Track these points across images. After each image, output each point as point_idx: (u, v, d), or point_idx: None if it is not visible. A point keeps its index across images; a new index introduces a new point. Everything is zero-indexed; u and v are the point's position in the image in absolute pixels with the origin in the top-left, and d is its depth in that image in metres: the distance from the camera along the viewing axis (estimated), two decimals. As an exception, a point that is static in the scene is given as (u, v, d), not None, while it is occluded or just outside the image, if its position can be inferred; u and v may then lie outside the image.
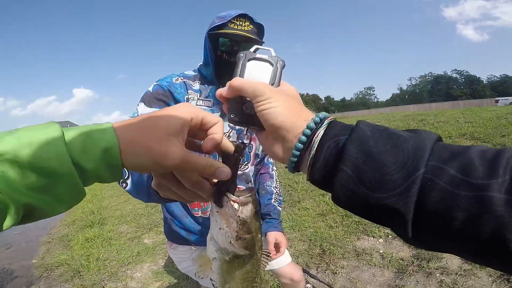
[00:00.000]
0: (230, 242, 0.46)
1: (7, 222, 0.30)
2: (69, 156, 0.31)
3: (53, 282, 2.92)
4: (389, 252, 2.43)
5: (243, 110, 0.44)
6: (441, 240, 0.29)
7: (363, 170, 0.31)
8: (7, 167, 0.29)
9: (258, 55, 0.46)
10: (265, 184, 1.40)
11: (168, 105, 1.04)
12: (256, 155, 1.34)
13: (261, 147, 1.29)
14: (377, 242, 2.63)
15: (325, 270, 2.35)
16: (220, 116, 1.11)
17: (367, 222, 2.92)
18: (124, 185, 0.87)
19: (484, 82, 71.91)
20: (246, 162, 1.26)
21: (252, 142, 1.28)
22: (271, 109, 0.38)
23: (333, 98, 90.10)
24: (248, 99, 0.42)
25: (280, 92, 0.40)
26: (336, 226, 2.98)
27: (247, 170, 1.27)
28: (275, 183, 1.42)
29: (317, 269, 2.39)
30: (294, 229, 3.09)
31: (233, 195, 0.46)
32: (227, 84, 0.42)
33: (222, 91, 0.43)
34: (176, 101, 1.08)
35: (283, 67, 0.46)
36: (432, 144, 0.30)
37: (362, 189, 0.31)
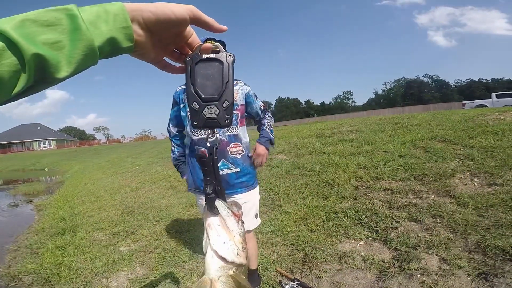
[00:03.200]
0: (237, 254, 0.47)
1: (22, 80, 0.32)
2: (81, 17, 0.35)
3: (21, 292, 2.73)
4: (370, 254, 2.46)
5: (204, 116, 0.46)
6: None
7: None
8: (28, 23, 0.32)
9: (205, 56, 0.46)
10: (261, 123, 2.09)
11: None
12: (243, 116, 1.95)
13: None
14: (358, 245, 2.65)
15: (309, 274, 2.34)
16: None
17: (348, 224, 2.96)
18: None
19: (452, 86, 75.80)
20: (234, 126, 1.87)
21: (237, 111, 1.87)
22: None
23: (313, 102, 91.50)
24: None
25: None
26: (318, 230, 2.99)
27: (237, 131, 1.88)
28: (267, 121, 2.08)
29: (301, 274, 2.38)
30: (276, 234, 3.06)
31: (224, 201, 0.49)
32: None
33: None
34: (178, 103, 1.97)
35: (233, 61, 0.46)
36: None
37: None
